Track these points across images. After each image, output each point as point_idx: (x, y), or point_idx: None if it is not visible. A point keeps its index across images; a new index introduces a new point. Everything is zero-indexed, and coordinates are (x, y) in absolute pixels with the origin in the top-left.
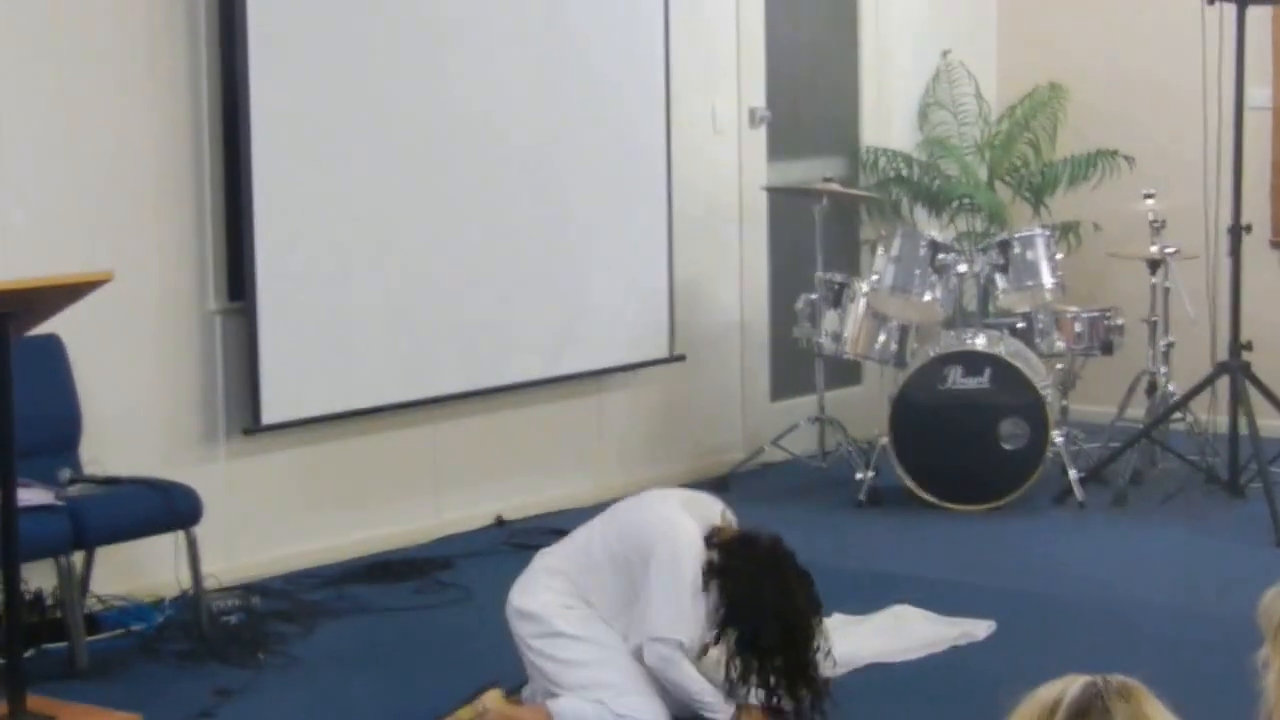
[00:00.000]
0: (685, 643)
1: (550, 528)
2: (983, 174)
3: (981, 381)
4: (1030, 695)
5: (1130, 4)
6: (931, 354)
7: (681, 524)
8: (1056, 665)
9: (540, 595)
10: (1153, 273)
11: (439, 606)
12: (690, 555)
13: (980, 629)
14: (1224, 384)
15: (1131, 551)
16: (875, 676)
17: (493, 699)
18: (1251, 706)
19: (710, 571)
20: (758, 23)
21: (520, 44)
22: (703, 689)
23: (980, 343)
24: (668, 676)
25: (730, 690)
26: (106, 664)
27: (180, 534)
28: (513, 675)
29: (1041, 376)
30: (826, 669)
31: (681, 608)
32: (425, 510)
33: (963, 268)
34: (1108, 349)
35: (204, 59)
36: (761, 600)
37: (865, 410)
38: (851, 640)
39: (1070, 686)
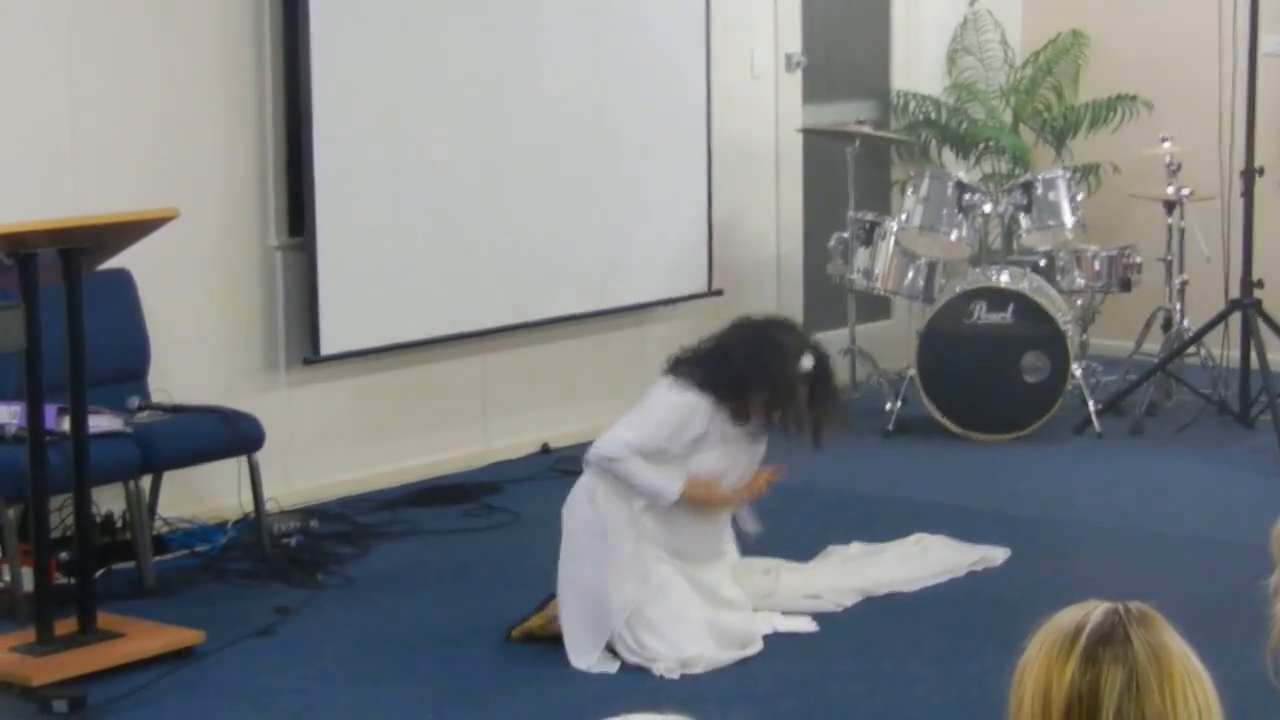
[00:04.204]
0: (631, 440)
1: None
2: (1008, 118)
3: (1005, 316)
4: (1052, 620)
5: None
6: (958, 290)
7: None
8: (1073, 590)
9: None
10: (1169, 213)
11: (487, 530)
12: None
13: (998, 555)
14: (1236, 320)
15: (1147, 480)
16: (896, 602)
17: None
18: (1262, 630)
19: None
20: None
21: None
22: (649, 480)
23: (1004, 279)
24: (617, 474)
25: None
26: (172, 583)
27: (243, 459)
28: None
29: (1062, 312)
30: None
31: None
32: (475, 438)
33: (988, 207)
34: (1125, 286)
35: (267, 2)
36: (763, 363)
37: (894, 343)
38: (873, 568)
39: (1093, 612)
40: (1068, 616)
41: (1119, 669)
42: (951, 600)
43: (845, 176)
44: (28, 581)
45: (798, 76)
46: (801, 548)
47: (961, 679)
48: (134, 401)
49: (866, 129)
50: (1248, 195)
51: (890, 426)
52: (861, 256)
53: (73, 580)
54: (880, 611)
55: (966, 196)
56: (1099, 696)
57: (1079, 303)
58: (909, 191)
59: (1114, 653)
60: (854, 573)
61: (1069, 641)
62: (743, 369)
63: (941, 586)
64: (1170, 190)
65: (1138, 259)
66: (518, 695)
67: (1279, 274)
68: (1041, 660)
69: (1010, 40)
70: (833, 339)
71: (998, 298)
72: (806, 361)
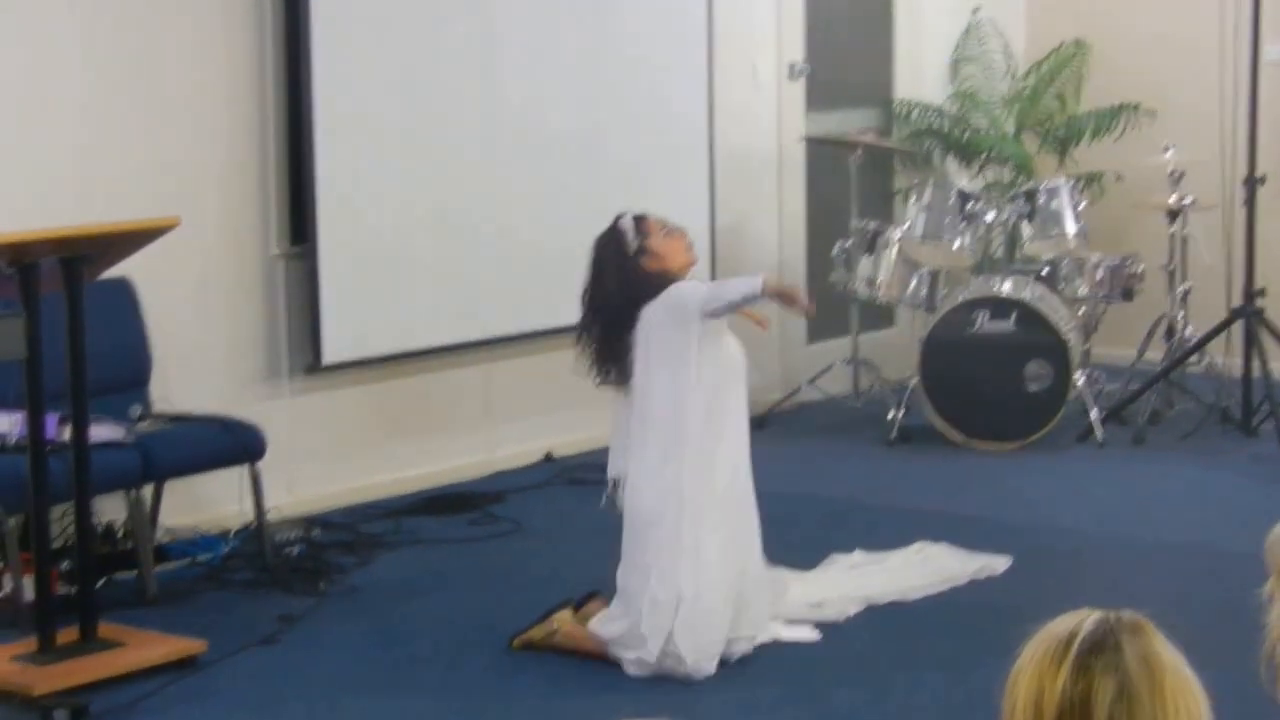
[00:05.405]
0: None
1: (597, 463)
2: (1010, 126)
3: (1008, 325)
4: (1044, 628)
5: None
6: (960, 298)
7: None
8: (1075, 599)
9: None
10: (1172, 222)
11: (491, 538)
12: None
13: (1000, 563)
14: (1239, 328)
15: (1149, 488)
16: (898, 611)
17: (563, 619)
18: (1259, 637)
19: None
20: None
21: (571, 2)
22: (731, 286)
23: (1007, 288)
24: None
25: None
26: (174, 593)
27: (245, 468)
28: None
29: (1065, 320)
30: None
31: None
32: (478, 446)
33: (991, 216)
34: (1128, 295)
35: (269, 12)
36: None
37: (897, 352)
38: (875, 577)
39: (1084, 621)
40: (1060, 625)
41: (1110, 678)
42: (954, 609)
43: (848, 185)
44: (29, 591)
45: (800, 85)
46: (804, 556)
47: (964, 687)
48: (135, 410)
49: (869, 138)
50: (1250, 203)
51: (893, 435)
52: (864, 265)
53: (74, 589)
54: (883, 620)
55: (969, 205)
56: (1090, 705)
57: (1081, 311)
58: (912, 200)
59: (1105, 662)
60: (857, 582)
61: (1061, 650)
62: (622, 268)
63: (944, 595)
64: (1173, 199)
65: (1140, 267)
66: (520, 705)
67: None
68: (1033, 669)
69: (1013, 49)
70: (836, 348)
71: (1000, 306)
72: (621, 224)
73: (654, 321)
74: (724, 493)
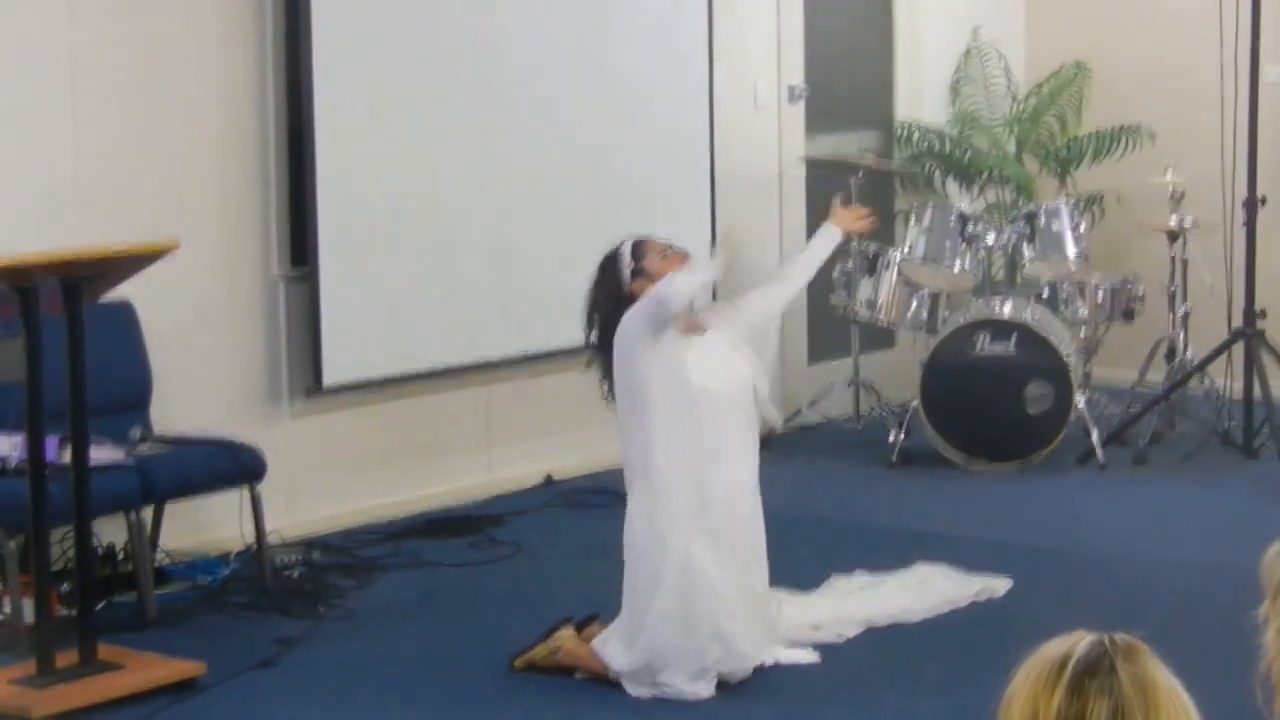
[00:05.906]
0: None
1: (597, 486)
2: (1011, 148)
3: (1008, 347)
4: (1038, 650)
5: None
6: (961, 321)
7: None
8: (1076, 620)
9: None
10: (1172, 243)
11: (491, 561)
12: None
13: (1001, 585)
14: (1239, 350)
15: (1150, 510)
16: (898, 633)
17: (566, 636)
18: (1256, 659)
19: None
20: (796, 3)
21: (572, 25)
22: (693, 274)
23: (1008, 310)
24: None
25: None
26: (174, 615)
27: (245, 491)
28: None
29: (1066, 342)
30: None
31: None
32: (478, 469)
33: (991, 238)
34: (1129, 316)
35: (269, 34)
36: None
37: (898, 374)
38: (875, 599)
39: (1078, 644)
40: (1054, 647)
41: (1105, 700)
42: (954, 631)
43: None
44: (29, 613)
45: (800, 107)
46: (804, 578)
47: (964, 710)
48: (136, 432)
49: (869, 159)
50: (1250, 225)
51: (894, 457)
52: (865, 287)
53: (74, 611)
54: (882, 642)
55: (970, 227)
56: None
57: (1082, 333)
58: (912, 222)
59: (1100, 684)
60: (857, 604)
61: (1055, 672)
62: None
63: (944, 617)
64: (1173, 220)
65: (1141, 289)
66: None
67: None
68: (1028, 691)
69: (1014, 71)
70: (836, 370)
71: (1001, 329)
72: (620, 248)
73: (616, 350)
74: (722, 512)
